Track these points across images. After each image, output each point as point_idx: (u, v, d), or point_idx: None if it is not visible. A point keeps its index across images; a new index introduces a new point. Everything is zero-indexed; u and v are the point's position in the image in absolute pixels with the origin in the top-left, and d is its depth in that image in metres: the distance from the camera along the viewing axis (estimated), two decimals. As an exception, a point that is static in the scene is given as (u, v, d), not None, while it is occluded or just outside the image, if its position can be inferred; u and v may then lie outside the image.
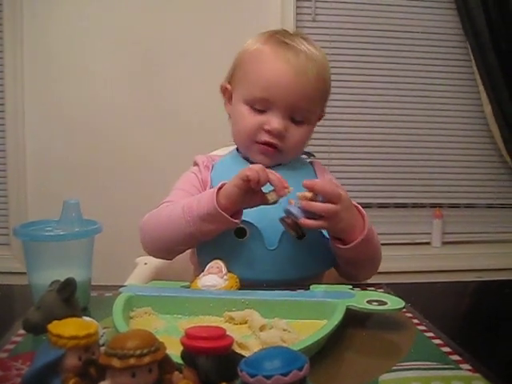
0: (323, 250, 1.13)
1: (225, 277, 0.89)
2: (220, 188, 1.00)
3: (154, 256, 1.17)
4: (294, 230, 0.99)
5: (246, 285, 0.91)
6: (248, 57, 1.17)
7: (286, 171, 1.16)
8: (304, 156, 1.29)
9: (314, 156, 1.31)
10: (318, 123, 1.22)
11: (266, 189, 0.99)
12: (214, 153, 1.36)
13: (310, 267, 1.12)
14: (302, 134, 1.15)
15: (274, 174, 0.98)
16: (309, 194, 0.96)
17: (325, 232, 1.08)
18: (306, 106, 1.13)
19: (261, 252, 1.06)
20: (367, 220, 1.05)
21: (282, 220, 1.00)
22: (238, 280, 0.90)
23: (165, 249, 1.11)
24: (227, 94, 1.23)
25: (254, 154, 1.16)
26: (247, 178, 0.95)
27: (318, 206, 0.96)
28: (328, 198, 0.97)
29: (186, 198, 1.10)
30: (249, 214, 1.05)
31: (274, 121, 1.11)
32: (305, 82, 1.10)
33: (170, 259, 1.17)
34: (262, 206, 1.05)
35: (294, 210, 0.96)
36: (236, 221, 1.00)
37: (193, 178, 1.19)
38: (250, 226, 1.05)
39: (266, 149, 1.13)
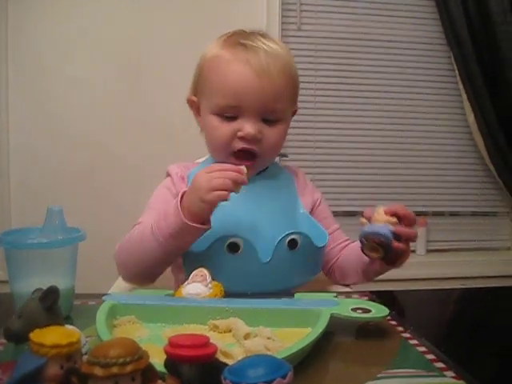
0: (312, 260, 1.14)
1: (209, 285, 0.88)
2: (182, 197, 1.00)
3: (135, 284, 1.15)
4: (382, 250, 1.01)
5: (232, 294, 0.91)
6: (207, 65, 1.15)
7: (265, 180, 1.17)
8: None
9: (286, 156, 1.31)
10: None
11: None
12: (199, 161, 1.35)
13: (302, 277, 1.13)
14: (277, 134, 1.13)
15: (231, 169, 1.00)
16: (393, 219, 1.00)
17: (314, 240, 1.09)
18: (276, 105, 1.11)
19: (254, 266, 1.05)
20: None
21: (366, 239, 1.01)
22: (222, 288, 0.90)
23: (146, 274, 1.09)
24: (194, 106, 1.21)
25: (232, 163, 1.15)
26: (221, 198, 0.97)
27: (412, 232, 1.02)
28: (409, 223, 1.02)
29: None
30: (241, 229, 1.06)
31: (247, 126, 1.09)
32: (269, 81, 1.08)
33: (151, 283, 1.13)
34: (254, 220, 1.09)
35: (386, 233, 0.99)
36: (208, 226, 1.00)
37: (165, 193, 1.17)
38: (242, 240, 1.04)
39: (244, 159, 1.11)
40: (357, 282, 1.21)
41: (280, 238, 1.05)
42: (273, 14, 2.58)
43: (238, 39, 1.13)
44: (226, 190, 0.97)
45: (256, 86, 1.07)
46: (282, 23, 2.64)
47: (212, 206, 0.98)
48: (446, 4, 2.63)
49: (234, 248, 1.04)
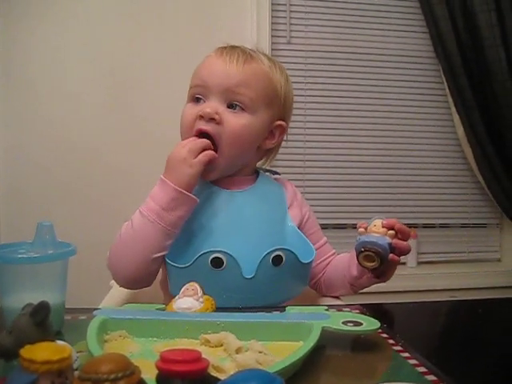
0: (298, 276, 1.14)
1: (200, 299, 0.88)
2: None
3: (131, 287, 1.15)
4: (378, 260, 1.02)
5: (223, 308, 0.90)
6: (197, 66, 1.21)
7: (253, 194, 1.17)
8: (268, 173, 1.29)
9: (278, 174, 1.32)
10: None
11: None
12: None
13: (287, 292, 1.13)
14: (238, 122, 1.12)
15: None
16: (391, 232, 1.04)
17: (299, 256, 1.09)
18: (240, 90, 1.12)
19: (238, 281, 1.05)
20: None
21: (364, 248, 1.02)
22: (213, 302, 0.90)
23: (141, 269, 1.07)
24: None
25: None
26: (208, 157, 1.08)
27: (407, 245, 1.06)
28: (404, 237, 1.06)
29: None
30: (225, 244, 1.06)
31: (206, 105, 1.12)
32: (236, 68, 1.13)
33: (148, 285, 1.13)
34: (239, 235, 1.10)
35: (384, 244, 1.02)
36: (196, 199, 1.06)
37: None
38: (226, 256, 1.04)
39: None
40: (343, 294, 1.22)
41: (264, 254, 1.05)
42: (263, 28, 2.60)
43: (227, 46, 1.19)
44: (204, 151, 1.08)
45: (222, 68, 1.13)
46: (272, 36, 2.65)
47: (201, 168, 1.07)
48: (435, 18, 2.66)
49: (217, 263, 1.04)
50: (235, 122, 1.12)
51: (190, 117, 1.14)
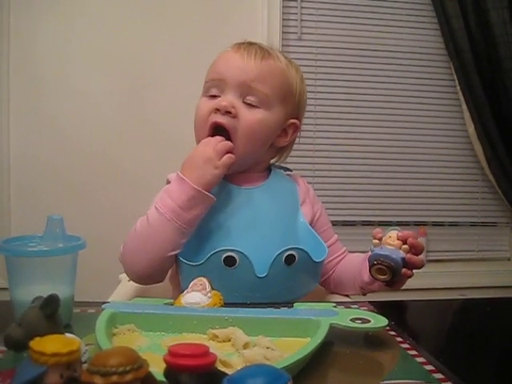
0: (310, 272, 1.14)
1: (209, 294, 0.88)
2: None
3: (143, 283, 1.15)
4: (390, 273, 1.02)
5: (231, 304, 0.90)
6: (213, 61, 1.20)
7: (266, 191, 1.17)
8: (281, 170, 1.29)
9: (290, 170, 1.31)
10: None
11: None
12: None
13: (299, 290, 1.13)
14: (255, 118, 1.12)
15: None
16: (405, 246, 1.04)
17: (312, 255, 1.09)
18: (256, 85, 1.12)
19: (250, 280, 1.04)
20: None
21: (377, 260, 1.02)
22: (221, 297, 0.90)
23: (156, 265, 1.07)
24: None
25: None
26: (231, 160, 1.08)
27: (420, 261, 1.06)
28: (417, 252, 1.05)
29: None
30: (238, 242, 1.05)
31: (223, 99, 1.11)
32: (253, 63, 1.13)
33: (161, 280, 1.13)
34: (252, 233, 1.10)
35: (397, 258, 1.02)
36: (214, 198, 1.06)
37: None
38: (239, 255, 1.04)
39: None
40: (351, 294, 1.22)
41: (277, 253, 1.05)
42: (274, 24, 2.60)
43: (243, 42, 1.19)
44: (229, 152, 1.07)
45: (239, 62, 1.13)
46: (283, 33, 2.65)
47: (225, 170, 1.07)
48: (446, 15, 2.64)
49: (230, 262, 1.04)
50: (251, 116, 1.11)
51: (205, 110, 1.13)
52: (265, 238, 1.10)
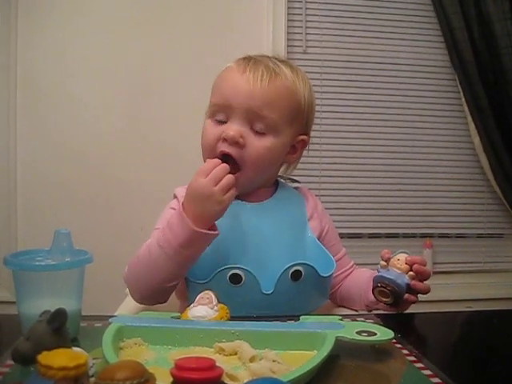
0: (318, 288, 1.13)
1: (215, 307, 0.88)
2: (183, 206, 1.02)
3: (147, 304, 1.14)
4: (392, 297, 1.03)
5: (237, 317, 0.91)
6: (217, 78, 1.18)
7: (274, 207, 1.17)
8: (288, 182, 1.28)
9: (298, 182, 1.31)
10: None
11: None
12: None
13: (307, 306, 1.12)
14: (262, 146, 1.10)
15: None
16: (412, 273, 1.04)
17: (319, 270, 1.08)
18: (264, 112, 1.09)
19: (257, 297, 1.04)
20: None
21: (381, 284, 1.03)
22: (228, 311, 0.90)
23: (157, 292, 1.08)
24: None
25: None
26: (233, 196, 1.03)
27: (426, 287, 1.06)
28: (424, 278, 1.06)
29: None
30: (243, 260, 1.06)
31: (230, 127, 1.09)
32: (261, 88, 1.09)
33: (164, 301, 1.13)
34: (258, 250, 1.10)
35: (402, 283, 1.03)
36: (218, 232, 1.02)
37: (172, 214, 1.14)
38: (244, 272, 1.03)
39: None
40: (357, 309, 1.21)
41: (283, 269, 1.05)
42: (279, 37, 2.61)
43: (250, 55, 1.16)
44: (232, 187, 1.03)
45: (246, 88, 1.09)
46: (288, 46, 2.66)
47: (228, 205, 1.02)
48: (451, 27, 2.65)
49: (236, 279, 1.04)
50: (259, 145, 1.10)
51: (212, 137, 1.12)
52: (271, 254, 1.10)
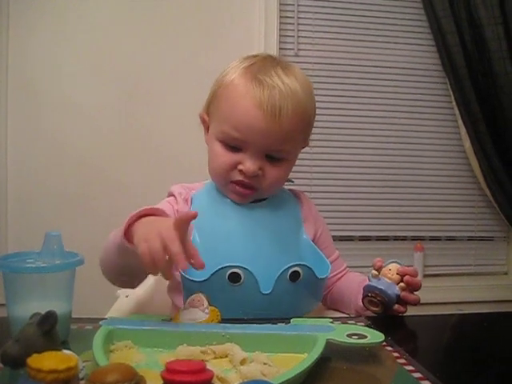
0: (314, 291, 1.13)
1: (206, 310, 0.88)
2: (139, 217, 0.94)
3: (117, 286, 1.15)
4: (382, 307, 1.04)
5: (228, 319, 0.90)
6: (222, 90, 1.13)
7: (269, 207, 1.17)
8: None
9: (292, 182, 1.31)
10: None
11: None
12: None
13: (303, 307, 1.12)
14: (279, 173, 1.13)
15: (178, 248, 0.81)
16: (403, 286, 1.04)
17: (316, 271, 1.08)
18: (282, 147, 1.11)
19: (255, 296, 1.04)
20: None
21: (370, 294, 1.04)
22: (219, 313, 0.90)
23: (117, 278, 1.10)
24: (205, 124, 1.20)
25: (228, 192, 1.15)
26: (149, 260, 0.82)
27: (416, 298, 1.05)
28: (414, 289, 1.05)
29: None
30: (243, 259, 1.05)
31: (248, 162, 1.09)
32: (279, 124, 1.06)
33: (132, 288, 1.15)
34: (257, 250, 1.10)
35: (392, 294, 1.03)
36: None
37: (167, 207, 1.14)
38: (244, 271, 1.03)
39: (240, 190, 1.12)
40: (346, 313, 1.21)
41: (282, 270, 1.05)
42: (271, 41, 2.62)
43: (257, 72, 1.10)
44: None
45: (263, 128, 1.06)
46: (280, 49, 2.67)
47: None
48: (442, 31, 2.67)
49: (235, 278, 1.03)
50: (276, 174, 1.12)
51: (225, 164, 1.11)
52: (269, 254, 1.10)
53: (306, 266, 1.07)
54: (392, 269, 1.05)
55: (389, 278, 1.04)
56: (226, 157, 1.11)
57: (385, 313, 1.05)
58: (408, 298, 1.04)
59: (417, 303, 1.06)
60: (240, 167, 1.10)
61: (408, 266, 1.07)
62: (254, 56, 1.17)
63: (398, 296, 1.04)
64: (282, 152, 1.12)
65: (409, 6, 2.82)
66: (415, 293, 1.07)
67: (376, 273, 1.06)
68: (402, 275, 1.04)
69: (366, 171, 2.82)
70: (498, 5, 2.62)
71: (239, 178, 1.10)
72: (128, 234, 0.92)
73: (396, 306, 1.05)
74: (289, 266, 1.05)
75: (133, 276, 1.07)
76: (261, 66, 1.12)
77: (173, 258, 0.80)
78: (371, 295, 1.03)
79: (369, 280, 1.06)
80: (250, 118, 1.07)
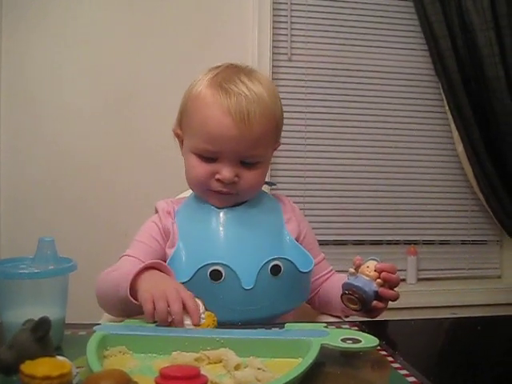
0: (298, 286, 1.14)
1: (202, 315, 0.88)
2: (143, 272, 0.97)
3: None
4: (360, 304, 1.03)
5: (223, 325, 0.91)
6: (191, 103, 1.16)
7: (250, 207, 1.18)
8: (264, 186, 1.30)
9: (274, 185, 1.33)
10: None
11: None
12: (181, 195, 1.36)
13: (287, 303, 1.13)
14: (256, 176, 1.16)
15: (191, 305, 0.89)
16: (380, 282, 1.03)
17: (298, 265, 1.09)
18: (255, 152, 1.14)
19: (237, 293, 1.05)
20: None
21: (348, 291, 1.03)
22: (215, 319, 0.90)
23: (113, 314, 1.11)
24: (179, 138, 1.23)
25: (209, 199, 1.17)
26: (153, 319, 0.89)
27: (394, 294, 1.05)
28: (393, 286, 1.05)
29: (146, 253, 1.13)
30: (223, 256, 1.07)
31: (224, 170, 1.11)
32: (249, 129, 1.09)
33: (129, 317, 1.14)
34: (237, 246, 1.10)
35: (369, 291, 1.03)
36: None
37: (152, 228, 1.19)
38: (224, 268, 1.04)
39: (220, 195, 1.15)
40: (335, 315, 1.22)
41: (262, 263, 1.06)
42: (264, 45, 2.62)
43: (222, 81, 1.13)
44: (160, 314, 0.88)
45: (235, 135, 1.09)
46: (273, 53, 2.67)
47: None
48: (435, 36, 2.68)
49: (216, 276, 1.04)
50: (252, 177, 1.15)
51: (202, 175, 1.14)
52: (249, 250, 1.11)
53: (287, 259, 1.08)
54: (370, 266, 1.05)
55: (367, 276, 1.04)
56: (201, 168, 1.14)
57: (364, 310, 1.05)
58: (386, 294, 1.04)
59: (395, 299, 1.06)
60: (217, 176, 1.13)
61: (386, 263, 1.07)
62: (218, 66, 1.20)
63: (377, 292, 1.04)
64: (256, 156, 1.14)
65: (401, 11, 2.82)
66: (396, 289, 1.06)
67: (353, 270, 1.06)
68: (379, 272, 1.04)
69: (359, 175, 2.82)
70: (489, 9, 2.63)
71: (217, 187, 1.14)
72: (131, 286, 0.96)
73: (375, 303, 1.05)
74: (269, 259, 1.07)
75: (131, 315, 1.06)
76: (224, 75, 1.15)
77: (172, 315, 0.87)
78: (348, 292, 1.03)
79: (347, 279, 1.06)
80: (221, 126, 1.10)
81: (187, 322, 0.87)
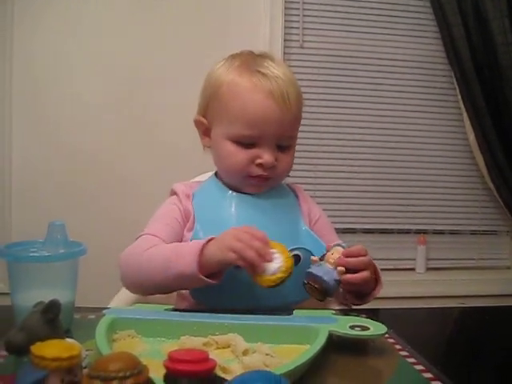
0: None
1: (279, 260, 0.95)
2: (205, 244, 0.99)
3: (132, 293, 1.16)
4: (322, 294, 1.00)
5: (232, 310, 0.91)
6: (224, 91, 1.14)
7: (270, 198, 1.18)
8: None
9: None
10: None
11: None
12: (195, 179, 1.36)
13: (301, 295, 1.11)
14: (289, 160, 1.18)
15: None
16: (342, 269, 0.99)
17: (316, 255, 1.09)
18: (293, 132, 1.17)
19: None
20: (381, 281, 1.09)
21: (307, 281, 1.01)
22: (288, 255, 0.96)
23: (145, 291, 1.10)
24: (203, 127, 1.21)
25: (246, 186, 1.17)
26: (243, 263, 0.95)
27: (358, 278, 0.99)
28: (358, 269, 1.00)
29: (168, 234, 1.12)
30: None
31: (266, 155, 1.12)
32: (289, 110, 1.11)
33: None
34: None
35: (329, 279, 0.98)
36: (217, 281, 0.99)
37: (174, 210, 1.18)
38: None
39: (258, 181, 1.15)
40: (340, 304, 1.21)
41: None
42: (276, 32, 2.61)
43: (254, 66, 1.14)
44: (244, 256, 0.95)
45: (278, 117, 1.11)
46: (285, 41, 2.66)
47: (227, 263, 0.98)
48: (448, 24, 2.65)
49: None
50: (287, 160, 1.17)
51: (242, 161, 1.13)
52: (272, 239, 1.11)
53: (305, 249, 1.08)
54: (334, 253, 1.02)
55: (331, 264, 1.00)
56: (241, 154, 1.13)
57: (326, 299, 1.02)
58: (350, 279, 1.00)
59: (363, 282, 1.01)
60: (258, 161, 1.13)
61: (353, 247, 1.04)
62: (237, 54, 1.21)
63: (339, 281, 0.99)
64: (292, 138, 1.18)
65: (414, -1, 2.80)
66: (364, 272, 1.02)
67: (316, 258, 1.03)
68: (345, 256, 1.01)
69: (369, 164, 2.82)
70: (504, -2, 2.61)
71: (258, 171, 1.13)
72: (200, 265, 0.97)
73: (340, 290, 1.03)
74: (291, 248, 1.05)
75: (166, 292, 1.09)
76: (252, 61, 1.16)
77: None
78: (308, 282, 1.00)
79: (310, 267, 1.03)
80: (265, 109, 1.10)
81: (277, 265, 0.94)
